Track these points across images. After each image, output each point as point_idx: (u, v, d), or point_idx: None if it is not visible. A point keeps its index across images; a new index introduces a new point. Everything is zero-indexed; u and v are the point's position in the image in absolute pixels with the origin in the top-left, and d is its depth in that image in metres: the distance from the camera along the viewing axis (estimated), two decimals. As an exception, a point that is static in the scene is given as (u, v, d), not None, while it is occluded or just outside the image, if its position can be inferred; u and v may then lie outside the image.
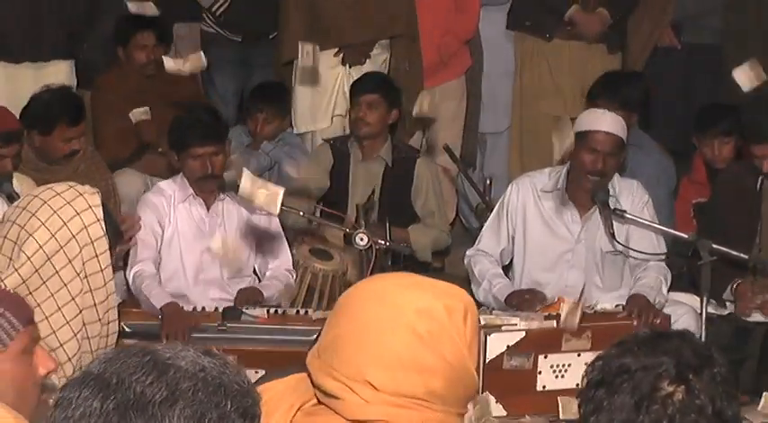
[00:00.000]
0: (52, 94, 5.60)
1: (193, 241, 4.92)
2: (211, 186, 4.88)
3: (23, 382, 2.37)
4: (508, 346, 4.31)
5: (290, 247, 5.14)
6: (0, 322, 2.28)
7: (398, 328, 2.04)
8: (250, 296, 4.76)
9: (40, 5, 6.05)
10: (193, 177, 4.85)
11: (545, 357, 4.39)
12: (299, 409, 2.14)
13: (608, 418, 2.04)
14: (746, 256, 4.60)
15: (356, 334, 2.08)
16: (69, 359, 3.08)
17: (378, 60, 6.37)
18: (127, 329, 4.37)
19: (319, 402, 2.12)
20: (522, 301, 4.73)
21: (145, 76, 6.34)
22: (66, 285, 2.93)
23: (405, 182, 5.77)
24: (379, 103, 5.69)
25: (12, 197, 4.44)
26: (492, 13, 6.67)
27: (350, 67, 6.31)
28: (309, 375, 2.12)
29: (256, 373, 4.02)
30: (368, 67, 6.29)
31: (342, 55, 6.33)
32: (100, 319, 3.02)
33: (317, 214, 5.30)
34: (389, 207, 5.53)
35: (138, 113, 6.15)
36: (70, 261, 2.93)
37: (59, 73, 6.11)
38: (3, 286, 2.87)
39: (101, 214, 3.00)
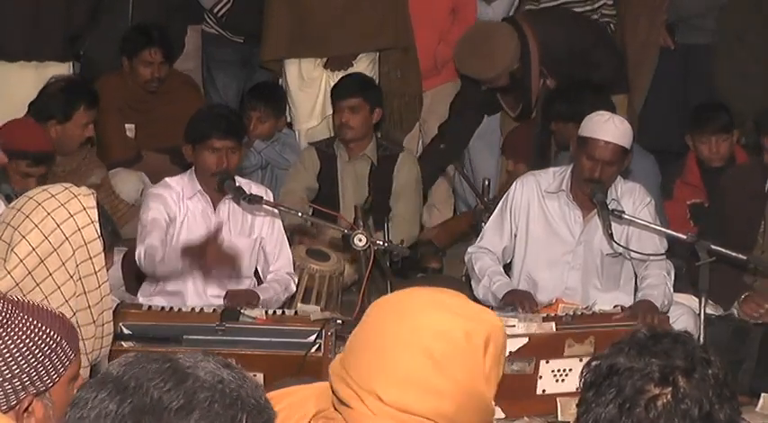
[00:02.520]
0: (67, 81, 5.64)
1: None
2: (222, 181, 4.79)
3: (64, 409, 2.35)
4: (510, 352, 4.29)
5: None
6: (57, 352, 2.23)
7: (413, 347, 2.03)
8: (242, 298, 4.71)
9: (40, 6, 6.04)
10: (208, 171, 4.79)
11: (546, 362, 4.38)
12: (314, 416, 2.14)
13: (594, 420, 2.03)
14: (745, 258, 4.59)
15: (373, 347, 2.08)
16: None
17: (360, 66, 6.35)
18: (125, 331, 4.37)
19: (336, 409, 2.12)
20: (518, 304, 4.69)
21: (147, 90, 6.37)
22: (59, 288, 2.91)
23: (390, 178, 5.77)
24: (362, 106, 5.68)
25: (10, 198, 4.43)
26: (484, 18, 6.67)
27: (332, 71, 6.32)
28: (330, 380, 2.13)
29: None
30: (352, 71, 6.29)
31: (325, 62, 6.34)
32: (94, 321, 3.01)
33: (310, 214, 5.28)
34: (380, 205, 5.52)
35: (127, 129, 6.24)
36: (63, 263, 2.92)
37: (57, 74, 6.13)
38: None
39: (95, 216, 2.99)
